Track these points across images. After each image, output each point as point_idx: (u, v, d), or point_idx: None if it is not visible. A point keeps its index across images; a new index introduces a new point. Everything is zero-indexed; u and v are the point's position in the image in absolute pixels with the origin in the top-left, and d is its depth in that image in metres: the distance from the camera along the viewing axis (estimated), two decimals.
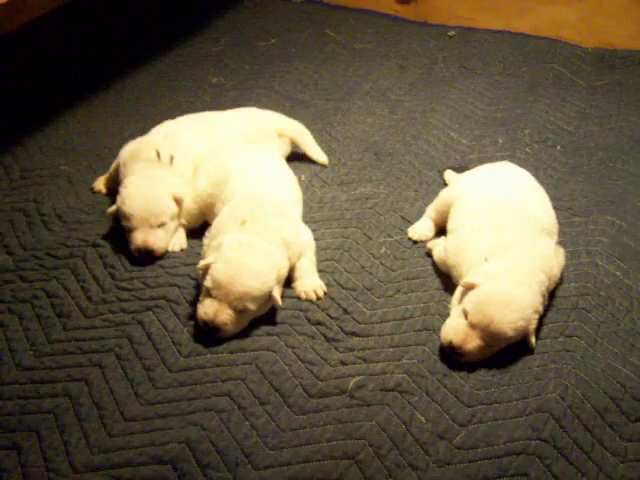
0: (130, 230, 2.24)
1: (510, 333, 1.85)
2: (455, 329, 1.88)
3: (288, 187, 2.29)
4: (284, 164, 2.41)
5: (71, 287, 2.14)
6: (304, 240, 2.17)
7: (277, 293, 1.99)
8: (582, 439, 1.71)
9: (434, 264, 2.21)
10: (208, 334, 1.95)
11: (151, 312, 2.04)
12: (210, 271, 1.95)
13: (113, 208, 2.28)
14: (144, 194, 2.26)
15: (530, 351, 1.92)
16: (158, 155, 2.33)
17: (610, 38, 3.54)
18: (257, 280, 1.94)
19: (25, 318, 2.04)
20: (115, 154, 2.50)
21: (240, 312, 1.94)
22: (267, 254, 1.99)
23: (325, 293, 2.11)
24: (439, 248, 2.18)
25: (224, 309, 1.92)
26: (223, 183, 2.25)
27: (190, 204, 2.34)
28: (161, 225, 2.25)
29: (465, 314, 1.88)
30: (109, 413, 1.78)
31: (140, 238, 2.22)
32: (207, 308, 1.93)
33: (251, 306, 1.93)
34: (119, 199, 2.27)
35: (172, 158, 2.34)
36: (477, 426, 1.74)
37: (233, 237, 2.01)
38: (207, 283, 1.94)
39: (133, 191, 2.26)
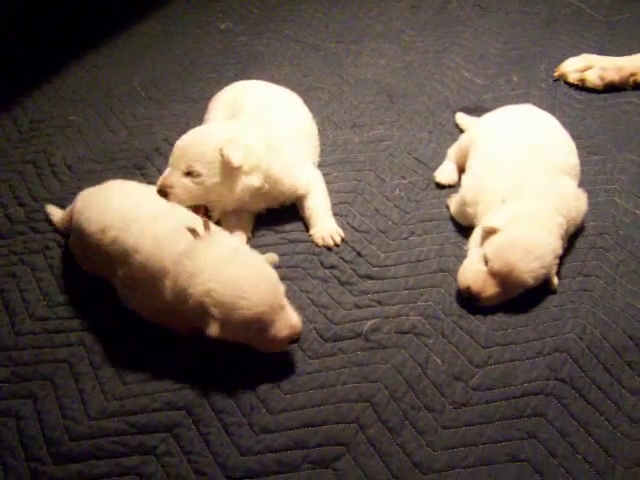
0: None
1: (531, 282, 1.82)
2: (474, 275, 1.84)
3: (300, 120, 2.28)
4: (300, 102, 2.38)
5: None
6: (309, 176, 2.15)
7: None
8: (600, 378, 1.68)
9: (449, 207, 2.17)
10: None
11: None
12: None
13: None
14: None
15: (551, 291, 1.88)
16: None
17: None
18: None
19: (37, 269, 2.03)
20: (124, 103, 2.45)
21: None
22: None
23: (342, 238, 2.08)
24: (454, 201, 2.13)
25: None
26: (237, 113, 2.20)
27: None
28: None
29: (485, 260, 1.84)
30: (123, 361, 1.77)
31: (295, 318, 1.68)
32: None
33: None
34: None
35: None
36: (494, 367, 1.72)
37: None
38: None
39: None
